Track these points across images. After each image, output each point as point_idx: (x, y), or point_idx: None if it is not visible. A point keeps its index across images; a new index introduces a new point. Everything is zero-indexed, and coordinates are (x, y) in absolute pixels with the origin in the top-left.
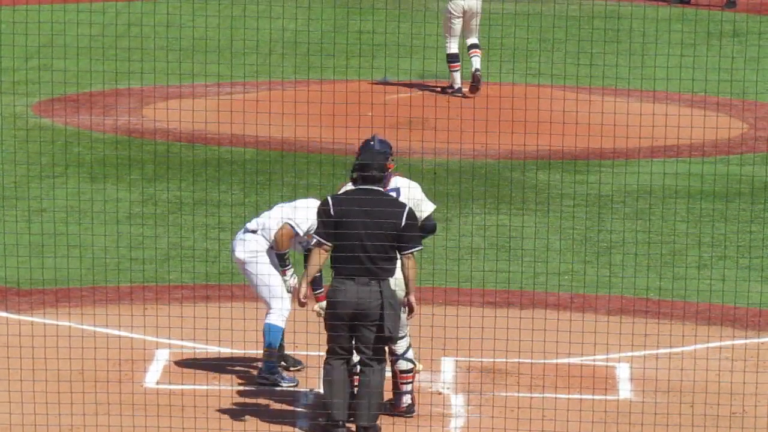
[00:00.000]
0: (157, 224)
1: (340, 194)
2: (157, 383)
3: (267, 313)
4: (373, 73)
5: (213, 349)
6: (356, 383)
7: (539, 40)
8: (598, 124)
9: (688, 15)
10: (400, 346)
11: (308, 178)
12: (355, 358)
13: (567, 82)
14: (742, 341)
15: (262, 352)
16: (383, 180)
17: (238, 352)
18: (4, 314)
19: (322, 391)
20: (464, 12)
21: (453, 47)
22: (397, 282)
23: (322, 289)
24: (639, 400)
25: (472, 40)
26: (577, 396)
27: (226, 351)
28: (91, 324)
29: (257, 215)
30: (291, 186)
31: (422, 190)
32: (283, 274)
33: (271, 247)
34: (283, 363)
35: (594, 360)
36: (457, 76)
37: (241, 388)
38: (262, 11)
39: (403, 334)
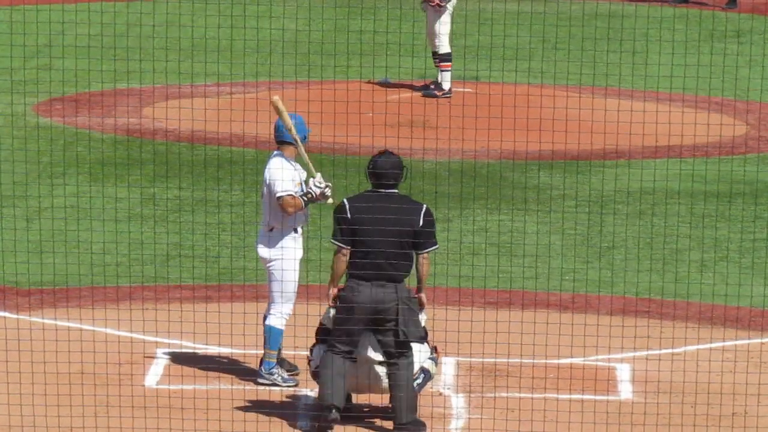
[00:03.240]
0: (157, 224)
1: (357, 197)
2: (157, 383)
3: (268, 314)
4: (374, 73)
5: (213, 349)
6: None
7: (540, 40)
8: (599, 124)
9: (689, 15)
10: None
11: None
12: (377, 357)
13: (568, 83)
14: (744, 342)
15: (262, 352)
16: (398, 182)
17: (238, 352)
18: (4, 314)
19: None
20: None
21: (448, 46)
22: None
23: None
24: (640, 400)
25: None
26: (578, 396)
27: (226, 351)
28: (91, 324)
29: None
30: None
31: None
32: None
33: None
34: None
35: (595, 360)
36: (449, 76)
37: (241, 388)
38: (262, 11)
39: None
